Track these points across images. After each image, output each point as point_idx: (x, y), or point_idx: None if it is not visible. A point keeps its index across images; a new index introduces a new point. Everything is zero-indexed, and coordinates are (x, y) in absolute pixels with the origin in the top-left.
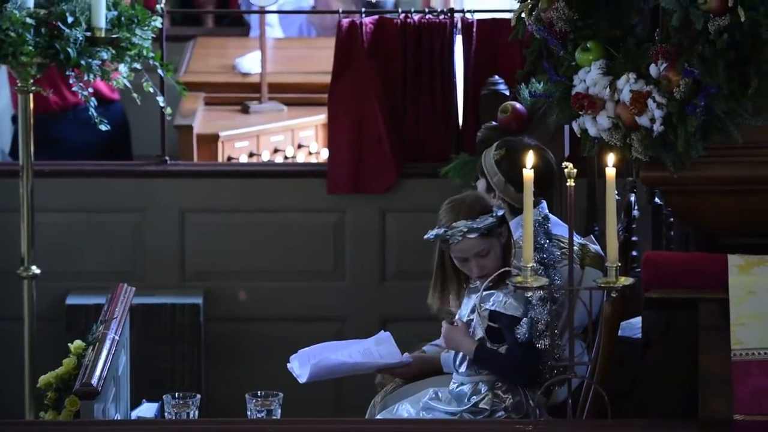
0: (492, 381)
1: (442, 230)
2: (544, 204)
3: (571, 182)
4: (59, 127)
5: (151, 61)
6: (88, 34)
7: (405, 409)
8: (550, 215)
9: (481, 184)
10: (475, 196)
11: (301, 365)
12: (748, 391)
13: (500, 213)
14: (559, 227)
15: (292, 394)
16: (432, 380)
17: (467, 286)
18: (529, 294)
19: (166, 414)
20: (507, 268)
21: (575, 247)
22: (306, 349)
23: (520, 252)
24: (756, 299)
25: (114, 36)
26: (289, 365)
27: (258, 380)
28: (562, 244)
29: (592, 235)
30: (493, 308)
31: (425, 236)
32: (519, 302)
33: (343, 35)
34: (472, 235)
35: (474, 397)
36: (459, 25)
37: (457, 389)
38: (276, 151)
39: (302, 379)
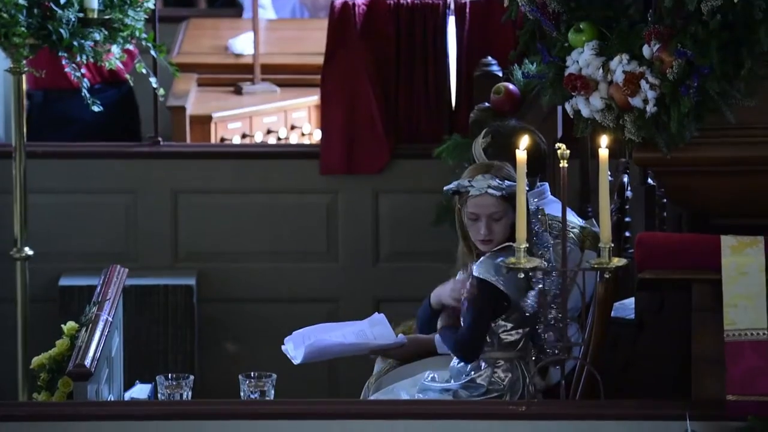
0: (493, 359)
1: (466, 182)
2: (546, 185)
3: (564, 163)
4: (76, 105)
5: (143, 42)
6: (81, 15)
7: (403, 389)
8: (551, 197)
9: None
10: (504, 163)
11: (295, 347)
12: (741, 372)
13: None
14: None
15: (286, 375)
16: (427, 361)
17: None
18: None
19: (159, 395)
20: (510, 243)
21: (576, 230)
22: (300, 330)
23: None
24: (749, 280)
25: (106, 17)
26: (283, 347)
27: (251, 361)
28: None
29: (593, 219)
30: (475, 273)
31: (445, 188)
32: (506, 277)
33: (335, 16)
34: (494, 192)
35: (473, 372)
36: (452, 6)
37: (458, 365)
38: (269, 132)
39: (297, 361)
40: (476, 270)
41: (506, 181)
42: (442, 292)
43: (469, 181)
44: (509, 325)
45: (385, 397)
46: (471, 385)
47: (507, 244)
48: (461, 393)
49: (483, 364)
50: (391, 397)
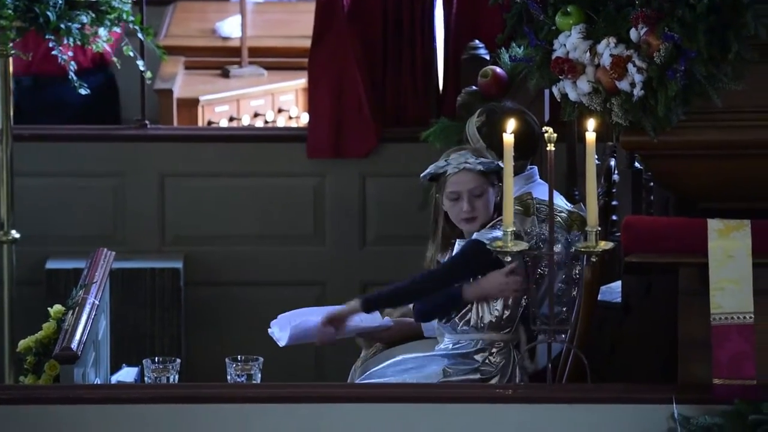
0: (492, 341)
1: (442, 162)
2: (535, 169)
3: (551, 147)
4: (67, 90)
5: (131, 25)
6: None
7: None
8: (540, 180)
9: None
10: (484, 147)
11: (281, 329)
12: (728, 355)
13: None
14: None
15: (273, 358)
16: (412, 344)
17: (454, 243)
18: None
19: (146, 378)
20: (499, 218)
21: (564, 214)
22: (286, 313)
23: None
24: (735, 263)
25: (93, 0)
26: (269, 330)
27: (238, 345)
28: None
29: (581, 203)
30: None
31: (421, 175)
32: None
33: None
34: (471, 167)
35: (471, 346)
36: None
37: (455, 344)
38: (256, 115)
39: (282, 343)
40: (475, 235)
41: (481, 158)
42: (488, 287)
43: (445, 161)
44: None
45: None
46: (464, 360)
47: (497, 219)
48: (450, 368)
49: (481, 343)
50: (380, 379)
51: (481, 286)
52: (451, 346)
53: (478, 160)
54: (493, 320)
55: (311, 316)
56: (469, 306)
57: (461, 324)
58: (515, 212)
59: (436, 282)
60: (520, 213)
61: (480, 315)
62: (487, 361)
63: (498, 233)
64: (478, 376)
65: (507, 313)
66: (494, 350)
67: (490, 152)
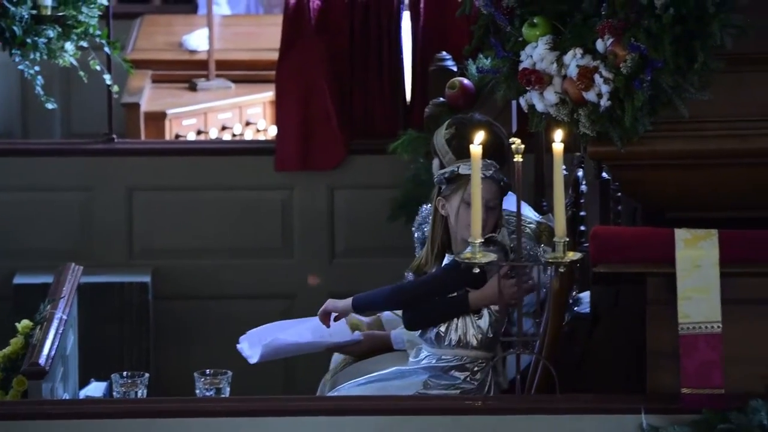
0: (476, 357)
1: (466, 166)
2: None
3: (518, 158)
4: None
5: (97, 39)
6: (34, 12)
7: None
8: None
9: (434, 164)
10: (453, 159)
11: (251, 346)
12: (696, 365)
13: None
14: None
15: (241, 372)
16: (382, 357)
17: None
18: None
19: (114, 393)
20: (493, 234)
21: (532, 225)
22: (255, 329)
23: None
24: (702, 273)
25: (60, 14)
26: (238, 346)
27: (207, 358)
28: (523, 224)
29: (549, 214)
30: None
31: (439, 172)
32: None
33: (290, 12)
34: (497, 177)
35: (453, 361)
36: (406, 1)
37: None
38: (224, 128)
39: (253, 360)
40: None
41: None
42: (490, 293)
43: (468, 166)
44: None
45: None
46: (446, 375)
47: (490, 235)
48: (432, 382)
49: (465, 359)
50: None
51: (485, 293)
52: (434, 360)
53: (500, 175)
54: (478, 337)
55: (281, 332)
56: (455, 321)
57: (446, 338)
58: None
59: (421, 292)
60: None
61: (465, 331)
62: (468, 378)
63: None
64: (457, 392)
65: (491, 330)
66: (476, 368)
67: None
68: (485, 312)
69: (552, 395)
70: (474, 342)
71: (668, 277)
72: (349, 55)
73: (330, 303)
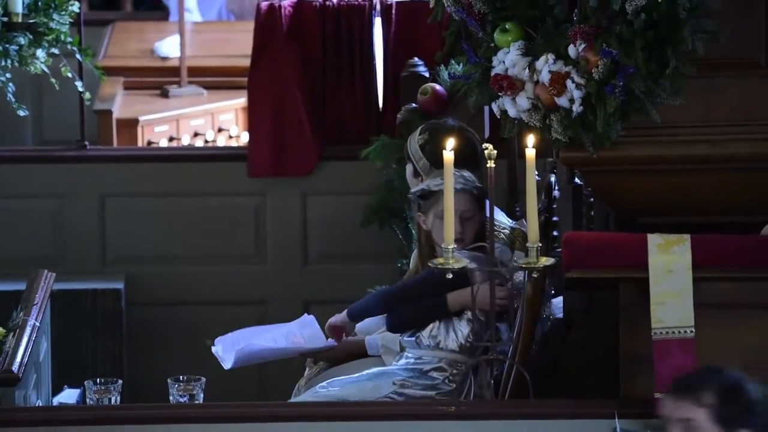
0: (455, 361)
1: (439, 180)
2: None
3: (491, 163)
4: None
5: (69, 46)
6: (5, 19)
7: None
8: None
9: (408, 169)
10: (428, 165)
11: (225, 350)
12: (669, 370)
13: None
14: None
15: (215, 378)
16: (357, 363)
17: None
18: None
19: (87, 400)
20: (482, 243)
21: (506, 230)
22: (230, 334)
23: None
24: (675, 278)
25: (31, 21)
26: (213, 348)
27: (180, 365)
28: (497, 229)
29: (523, 219)
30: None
31: (412, 190)
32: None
33: (262, 18)
34: (469, 188)
35: (432, 363)
36: (378, 7)
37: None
38: (196, 134)
39: (227, 365)
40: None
41: (472, 182)
42: (465, 298)
43: (441, 179)
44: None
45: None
46: (424, 375)
47: (479, 244)
48: (409, 381)
49: (444, 362)
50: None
51: (464, 296)
52: (413, 360)
53: (474, 184)
54: (461, 342)
55: (255, 338)
56: (436, 324)
57: (426, 340)
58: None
59: (406, 296)
60: None
61: (445, 333)
62: (446, 381)
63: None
64: (433, 393)
65: (471, 335)
66: (455, 371)
67: (433, 171)
68: (465, 316)
69: (525, 400)
70: (453, 345)
71: (641, 282)
72: (321, 61)
73: (331, 320)
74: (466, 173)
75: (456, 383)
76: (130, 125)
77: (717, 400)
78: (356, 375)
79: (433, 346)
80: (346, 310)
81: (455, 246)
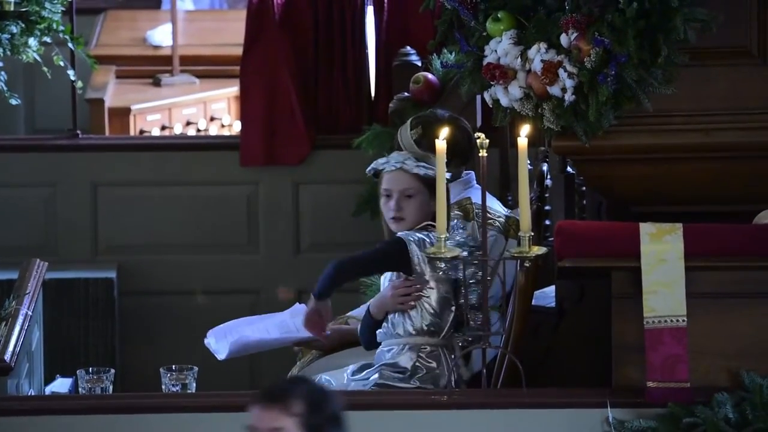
0: (417, 345)
1: (383, 159)
2: (473, 174)
3: (483, 153)
4: None
5: (61, 35)
6: None
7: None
8: (477, 185)
9: None
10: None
11: (218, 341)
12: (661, 358)
13: (448, 176)
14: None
15: (207, 367)
16: (349, 352)
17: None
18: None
19: (80, 389)
20: (431, 223)
21: (501, 219)
22: (222, 325)
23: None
24: (667, 267)
25: (23, 9)
26: (206, 341)
27: (172, 354)
28: (492, 217)
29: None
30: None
31: (367, 169)
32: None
33: (254, 7)
34: (408, 168)
35: (397, 355)
36: None
37: (384, 348)
38: (188, 123)
39: (221, 356)
40: (400, 234)
41: (423, 163)
42: (383, 301)
43: (386, 158)
44: (431, 309)
45: None
46: (395, 368)
47: (427, 223)
48: (385, 372)
49: (406, 347)
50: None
51: (381, 300)
52: (388, 354)
53: (418, 164)
54: (423, 327)
55: (248, 328)
56: (402, 314)
57: (387, 330)
58: (456, 217)
59: (357, 268)
60: (460, 218)
61: (410, 321)
62: (417, 364)
63: (420, 235)
64: (411, 379)
65: (434, 319)
66: (422, 354)
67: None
68: (421, 305)
69: (518, 389)
70: (411, 329)
71: (633, 271)
72: (313, 50)
73: (304, 316)
74: (410, 156)
75: (430, 369)
76: (122, 114)
77: (305, 408)
78: (340, 372)
79: (392, 333)
80: (311, 296)
81: (396, 225)
